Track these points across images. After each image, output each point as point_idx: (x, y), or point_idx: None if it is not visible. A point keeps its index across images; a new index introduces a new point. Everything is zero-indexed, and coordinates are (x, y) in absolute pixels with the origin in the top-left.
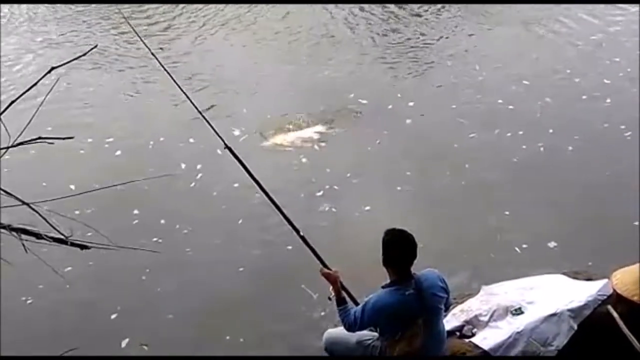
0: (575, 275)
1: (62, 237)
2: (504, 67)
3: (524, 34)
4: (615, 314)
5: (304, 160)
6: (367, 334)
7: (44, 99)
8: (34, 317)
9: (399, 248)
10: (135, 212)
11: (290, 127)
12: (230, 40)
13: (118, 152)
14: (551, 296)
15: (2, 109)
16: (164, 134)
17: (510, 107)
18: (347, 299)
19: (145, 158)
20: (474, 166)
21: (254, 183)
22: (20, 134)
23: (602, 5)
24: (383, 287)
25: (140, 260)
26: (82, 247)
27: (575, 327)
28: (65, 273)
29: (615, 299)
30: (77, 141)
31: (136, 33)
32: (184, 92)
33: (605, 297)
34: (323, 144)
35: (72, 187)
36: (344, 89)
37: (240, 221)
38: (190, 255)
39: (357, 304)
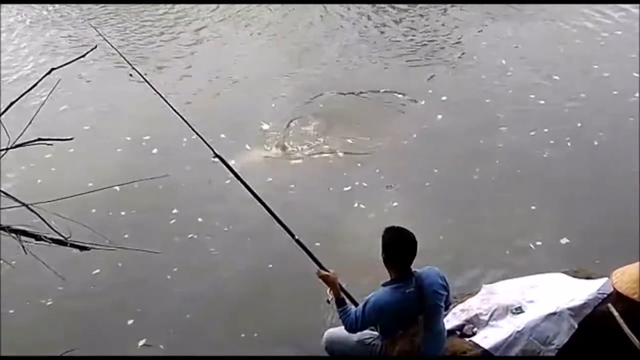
0: (575, 273)
1: (61, 238)
2: (532, 62)
3: (550, 30)
4: (615, 313)
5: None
6: (367, 333)
7: (45, 100)
8: (51, 318)
9: (400, 247)
10: (175, 211)
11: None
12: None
13: (155, 150)
14: (551, 295)
15: (4, 109)
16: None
17: (541, 102)
18: (347, 300)
19: (180, 156)
20: (505, 162)
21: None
22: (25, 136)
23: None
24: (383, 285)
25: (168, 260)
26: (82, 248)
27: (576, 325)
28: (94, 276)
29: (616, 297)
30: (114, 140)
31: (126, 60)
32: (177, 112)
33: (605, 295)
34: (350, 141)
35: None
36: (377, 84)
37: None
38: (215, 255)
39: (356, 304)
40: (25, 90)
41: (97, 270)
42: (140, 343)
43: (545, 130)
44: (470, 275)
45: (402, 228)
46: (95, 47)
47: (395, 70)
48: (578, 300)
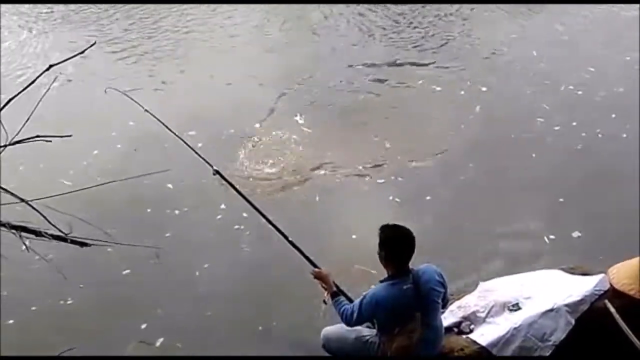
0: (571, 270)
1: (61, 234)
2: (565, 54)
3: (577, 22)
4: (612, 309)
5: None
6: (365, 331)
7: (42, 96)
8: (71, 316)
9: (398, 244)
10: (222, 206)
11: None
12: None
13: (200, 144)
14: (548, 291)
15: (3, 106)
16: (232, 126)
17: (579, 92)
18: (341, 293)
19: (225, 149)
20: (542, 153)
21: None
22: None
23: None
24: (381, 282)
25: (200, 257)
26: (82, 244)
27: (573, 322)
28: (124, 275)
29: (612, 293)
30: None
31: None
32: (175, 133)
33: (602, 292)
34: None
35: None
36: (418, 78)
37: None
38: (246, 252)
39: (350, 300)
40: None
41: (128, 271)
42: (158, 342)
43: (578, 122)
44: (492, 268)
45: (399, 225)
46: (94, 43)
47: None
48: (575, 297)
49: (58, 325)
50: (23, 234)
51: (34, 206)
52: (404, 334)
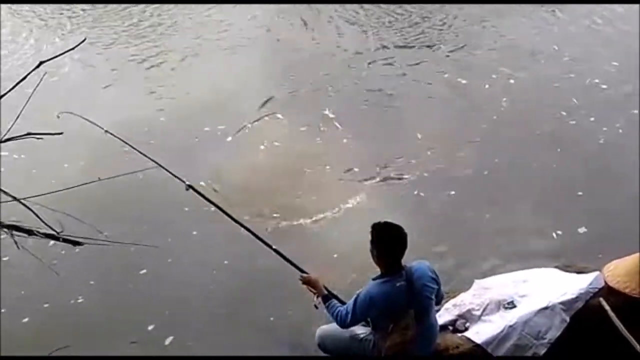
0: (566, 268)
1: (53, 233)
2: (590, 49)
3: (601, 17)
4: (607, 307)
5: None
6: (360, 329)
7: (32, 93)
8: (83, 314)
9: (390, 242)
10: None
11: None
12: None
13: (229, 139)
14: (543, 289)
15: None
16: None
17: (604, 86)
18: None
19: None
20: (565, 147)
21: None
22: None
23: None
24: (373, 280)
25: (222, 255)
26: (75, 243)
27: (568, 319)
28: (140, 274)
29: (607, 291)
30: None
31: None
32: (146, 155)
33: (597, 289)
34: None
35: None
36: (445, 70)
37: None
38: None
39: (342, 302)
40: (13, 84)
41: (144, 270)
42: (167, 341)
43: (602, 117)
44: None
45: (390, 222)
46: (85, 39)
47: (462, 57)
48: (570, 295)
49: (67, 324)
50: (15, 232)
51: (27, 204)
52: (398, 330)
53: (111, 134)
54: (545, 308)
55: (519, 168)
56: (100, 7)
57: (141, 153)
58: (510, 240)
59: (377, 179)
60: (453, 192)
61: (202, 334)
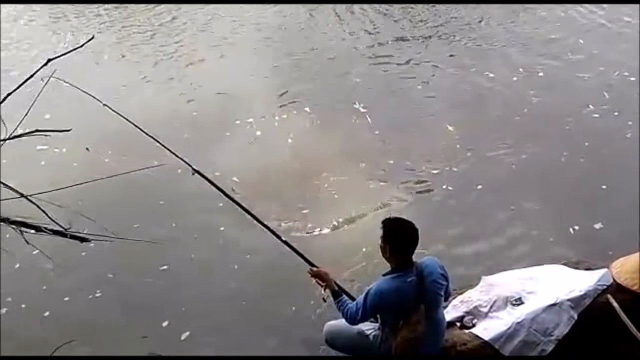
0: (575, 265)
1: (61, 229)
2: (616, 42)
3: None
4: (615, 304)
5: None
6: (367, 324)
7: (40, 92)
8: (101, 309)
9: (402, 237)
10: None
11: None
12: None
13: (258, 133)
14: (551, 286)
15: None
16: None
17: (632, 78)
18: (342, 293)
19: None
20: (592, 140)
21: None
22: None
23: None
24: (384, 275)
25: (245, 251)
26: (82, 239)
27: (576, 316)
28: (161, 270)
29: (615, 288)
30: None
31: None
32: (153, 137)
33: (605, 286)
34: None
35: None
36: (471, 65)
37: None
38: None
39: (352, 298)
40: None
41: (165, 267)
42: (183, 336)
43: (629, 109)
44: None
45: (402, 218)
46: (92, 37)
47: (489, 53)
48: (578, 292)
49: (85, 318)
50: (23, 229)
51: (34, 201)
52: (409, 326)
53: (109, 107)
54: (553, 305)
55: (546, 162)
56: (124, 7)
57: (156, 140)
58: (530, 236)
59: (409, 174)
60: (480, 187)
61: (218, 331)
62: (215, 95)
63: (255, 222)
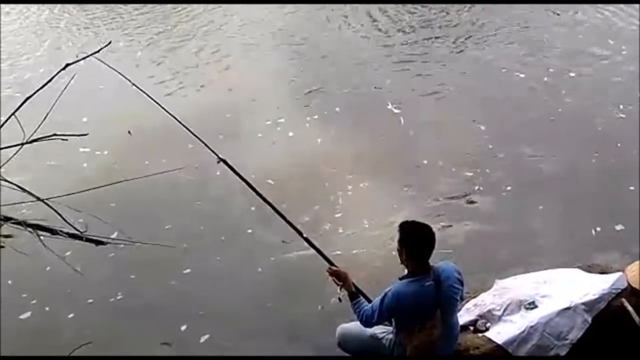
0: (589, 268)
1: (77, 232)
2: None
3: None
4: (629, 307)
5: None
6: (380, 328)
7: (59, 95)
8: (121, 311)
9: (418, 241)
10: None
11: None
12: None
13: (291, 133)
14: (565, 290)
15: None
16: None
17: None
18: (359, 294)
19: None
20: (624, 142)
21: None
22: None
23: None
24: (400, 279)
25: (270, 254)
26: (98, 242)
27: (590, 320)
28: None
29: (630, 292)
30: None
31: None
32: (181, 122)
33: (619, 290)
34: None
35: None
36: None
37: None
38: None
39: (368, 300)
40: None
41: (188, 270)
42: (202, 339)
43: None
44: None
45: (418, 221)
46: (110, 42)
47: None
48: (592, 295)
49: (106, 320)
50: (39, 232)
51: (50, 205)
52: (425, 331)
53: (138, 87)
54: (567, 308)
55: (577, 163)
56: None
57: (186, 127)
58: (552, 236)
59: (441, 175)
60: (509, 188)
61: (237, 334)
62: (247, 97)
63: (283, 220)
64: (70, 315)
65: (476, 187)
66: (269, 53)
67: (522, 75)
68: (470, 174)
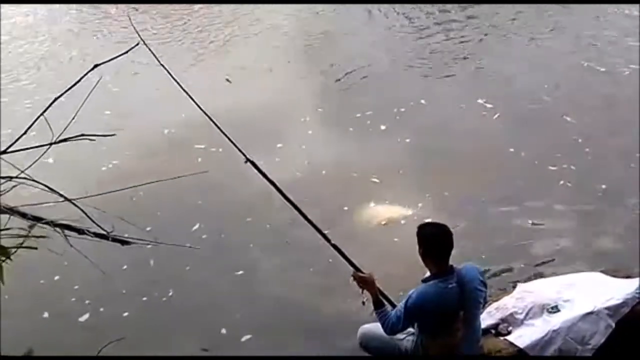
0: (613, 273)
1: (103, 232)
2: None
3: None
4: None
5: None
6: None
7: (87, 97)
8: (161, 311)
9: (435, 241)
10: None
11: None
12: None
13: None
14: (588, 294)
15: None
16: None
17: None
18: (385, 302)
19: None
20: None
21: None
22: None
23: None
24: (423, 281)
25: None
26: (123, 242)
27: (613, 325)
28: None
29: None
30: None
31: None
32: (212, 119)
33: None
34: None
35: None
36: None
37: None
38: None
39: (394, 306)
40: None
41: (241, 272)
42: (244, 338)
43: None
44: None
45: (435, 222)
46: (137, 44)
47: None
48: (616, 300)
49: (156, 318)
50: (66, 232)
51: (79, 205)
52: (450, 332)
53: (181, 86)
54: (591, 313)
55: (606, 162)
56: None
57: (216, 125)
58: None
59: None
60: (604, 186)
61: (282, 334)
62: (275, 101)
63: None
64: (125, 314)
65: (561, 182)
66: (300, 57)
67: (603, 69)
68: (554, 167)
